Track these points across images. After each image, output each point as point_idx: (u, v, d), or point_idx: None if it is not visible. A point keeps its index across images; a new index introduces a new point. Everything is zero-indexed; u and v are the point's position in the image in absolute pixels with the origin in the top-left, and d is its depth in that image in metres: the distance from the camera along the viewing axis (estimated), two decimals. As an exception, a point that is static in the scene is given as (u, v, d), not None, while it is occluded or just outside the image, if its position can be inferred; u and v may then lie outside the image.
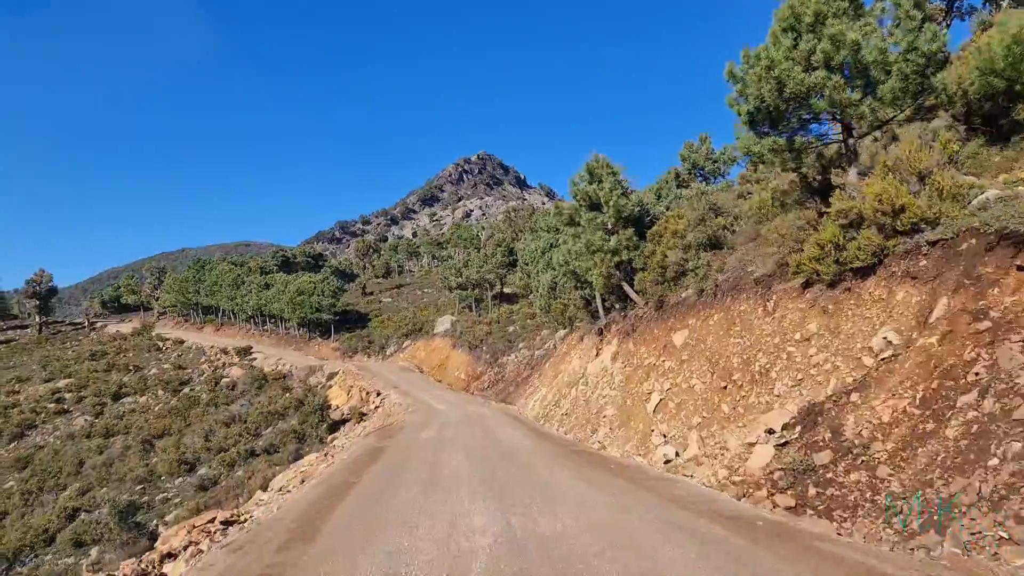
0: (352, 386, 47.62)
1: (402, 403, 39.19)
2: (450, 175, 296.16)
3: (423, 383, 47.89)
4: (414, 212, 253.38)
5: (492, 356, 47.67)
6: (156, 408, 59.69)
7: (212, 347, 74.54)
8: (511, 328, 50.72)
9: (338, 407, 45.34)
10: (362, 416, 41.25)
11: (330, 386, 49.73)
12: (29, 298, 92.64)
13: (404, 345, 62.18)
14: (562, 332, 40.43)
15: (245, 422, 46.95)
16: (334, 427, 42.66)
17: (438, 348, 56.01)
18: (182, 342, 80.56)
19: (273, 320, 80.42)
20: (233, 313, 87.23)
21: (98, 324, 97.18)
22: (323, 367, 58.63)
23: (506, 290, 63.31)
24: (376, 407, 42.49)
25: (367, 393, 45.36)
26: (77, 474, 45.48)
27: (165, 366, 70.86)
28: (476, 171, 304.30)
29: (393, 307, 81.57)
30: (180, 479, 42.61)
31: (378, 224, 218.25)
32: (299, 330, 76.98)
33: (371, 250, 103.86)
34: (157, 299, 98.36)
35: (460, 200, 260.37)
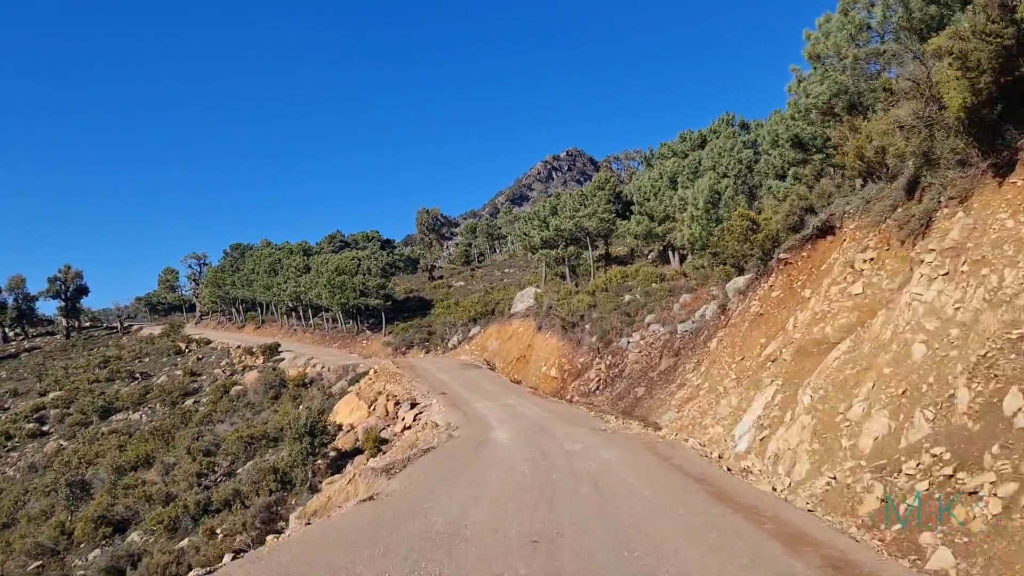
0: (380, 393, 30.38)
1: (443, 422, 21.76)
2: (539, 173, 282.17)
3: (491, 385, 30.13)
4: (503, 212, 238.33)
5: (600, 339, 29.24)
6: (145, 427, 44.76)
7: (239, 347, 59.65)
8: (627, 297, 32.15)
9: (351, 427, 28.13)
10: (380, 446, 24.02)
11: (349, 392, 32.67)
12: (53, 298, 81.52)
13: (471, 333, 44.58)
14: (741, 280, 21.64)
15: (214, 454, 30.55)
16: (339, 461, 25.63)
17: (516, 334, 38.10)
18: (208, 342, 66.50)
19: (317, 313, 64.86)
20: (273, 307, 72.59)
21: (133, 327, 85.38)
22: (360, 367, 41.84)
23: (612, 251, 44.77)
24: (407, 427, 25.27)
25: (397, 404, 28.04)
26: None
27: (177, 372, 56.42)
28: (565, 168, 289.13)
29: (464, 291, 64.29)
30: (96, 551, 26.64)
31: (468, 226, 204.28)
32: (346, 323, 61.01)
33: (442, 238, 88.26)
34: (197, 296, 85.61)
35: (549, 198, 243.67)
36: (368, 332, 58.43)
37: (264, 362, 53.63)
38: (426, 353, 48.14)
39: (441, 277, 74.62)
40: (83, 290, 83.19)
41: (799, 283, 17.89)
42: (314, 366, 48.31)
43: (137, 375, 58.18)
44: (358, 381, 35.14)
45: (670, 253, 36.35)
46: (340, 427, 28.17)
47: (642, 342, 27.31)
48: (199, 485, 28.07)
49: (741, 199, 24.42)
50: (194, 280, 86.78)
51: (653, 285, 33.50)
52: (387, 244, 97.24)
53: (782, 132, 25.49)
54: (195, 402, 48.32)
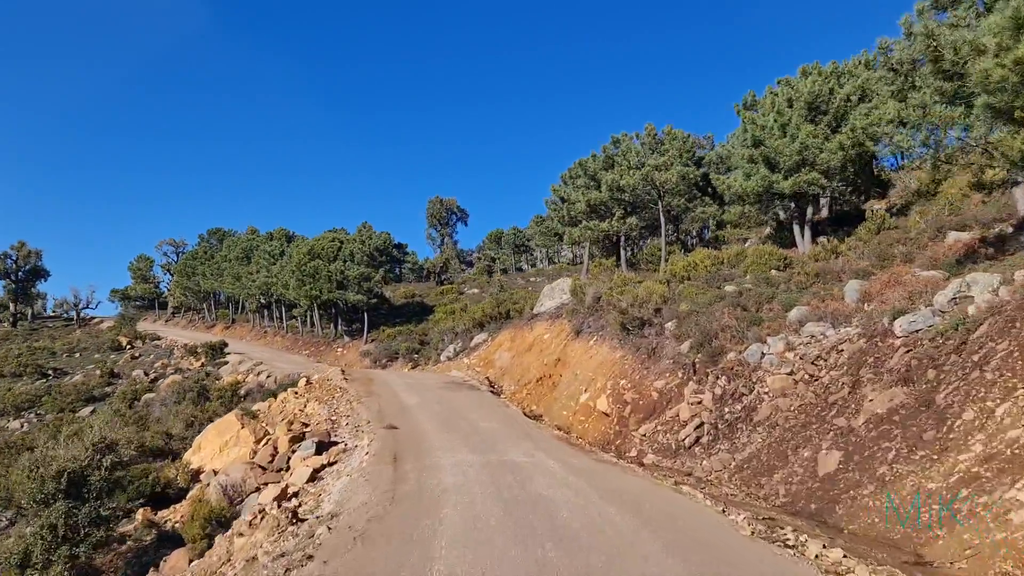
0: (290, 419, 17.06)
1: (332, 508, 7.59)
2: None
3: (486, 418, 16.67)
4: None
5: (701, 347, 15.55)
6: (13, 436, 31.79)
7: (184, 345, 47.05)
8: (729, 288, 18.59)
9: (199, 475, 14.70)
10: (219, 530, 10.16)
11: (245, 411, 19.35)
12: (2, 278, 69.73)
13: (473, 342, 31.21)
14: None
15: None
16: (139, 555, 11.94)
17: (539, 342, 24.77)
18: (157, 339, 53.85)
19: (292, 313, 51.88)
20: (245, 303, 59.94)
21: (94, 320, 73.29)
22: (302, 376, 28.41)
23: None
24: (285, 495, 11.32)
25: (298, 440, 14.51)
26: None
27: (96, 371, 43.76)
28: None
29: (478, 299, 50.80)
30: None
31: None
32: (324, 327, 47.95)
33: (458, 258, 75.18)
34: (170, 289, 73.37)
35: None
36: (347, 339, 45.19)
37: (203, 365, 40.69)
38: (412, 367, 34.76)
39: (451, 281, 61.35)
40: (38, 272, 71.51)
41: None
42: (259, 374, 35.26)
43: (49, 372, 45.52)
44: (275, 395, 21.83)
45: (798, 229, 22.59)
46: (179, 477, 14.78)
47: (791, 355, 13.58)
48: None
49: None
50: (168, 270, 74.77)
51: (774, 272, 19.93)
52: (399, 248, 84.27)
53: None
54: (93, 411, 35.39)
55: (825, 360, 12.65)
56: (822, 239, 22.11)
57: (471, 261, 78.64)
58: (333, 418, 16.79)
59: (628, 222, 25.14)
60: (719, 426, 13.24)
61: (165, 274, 75.81)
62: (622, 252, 26.24)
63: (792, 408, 12.15)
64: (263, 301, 55.37)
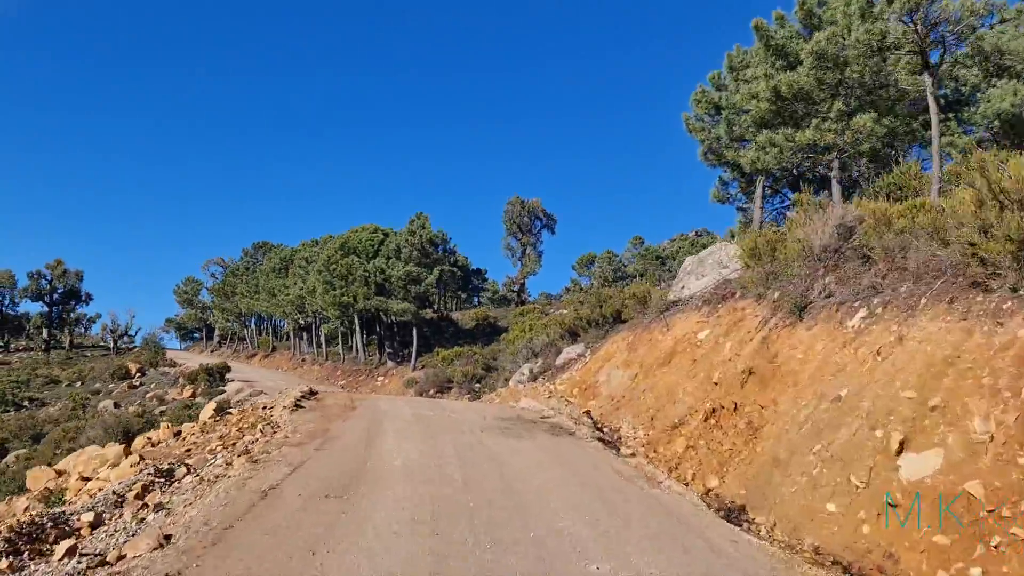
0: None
1: None
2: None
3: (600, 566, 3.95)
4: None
5: None
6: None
7: (186, 372, 37.67)
8: None
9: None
10: None
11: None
12: (33, 300, 63.16)
13: (561, 359, 19.51)
14: None
15: None
16: None
17: (687, 347, 13.17)
18: (173, 366, 44.72)
19: (336, 335, 41.66)
20: (278, 327, 50.53)
21: (134, 348, 65.51)
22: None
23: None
24: None
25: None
26: None
27: (69, 403, 34.79)
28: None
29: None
30: None
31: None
32: (370, 354, 37.50)
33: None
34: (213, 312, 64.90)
35: None
36: (391, 365, 34.27)
37: (194, 394, 30.66)
38: (471, 399, 23.27)
39: (533, 302, 49.85)
40: (75, 294, 64.76)
41: None
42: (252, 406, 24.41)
43: (24, 403, 36.71)
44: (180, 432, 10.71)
45: None
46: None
47: None
48: None
49: None
50: (213, 292, 66.59)
51: None
52: (477, 274, 73.68)
53: None
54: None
55: None
56: None
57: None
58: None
59: (861, 121, 13.11)
60: None
61: (212, 297, 67.67)
62: (834, 186, 14.12)
63: None
64: (301, 322, 45.41)
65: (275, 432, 9.11)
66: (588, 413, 13.49)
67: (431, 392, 27.15)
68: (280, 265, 47.40)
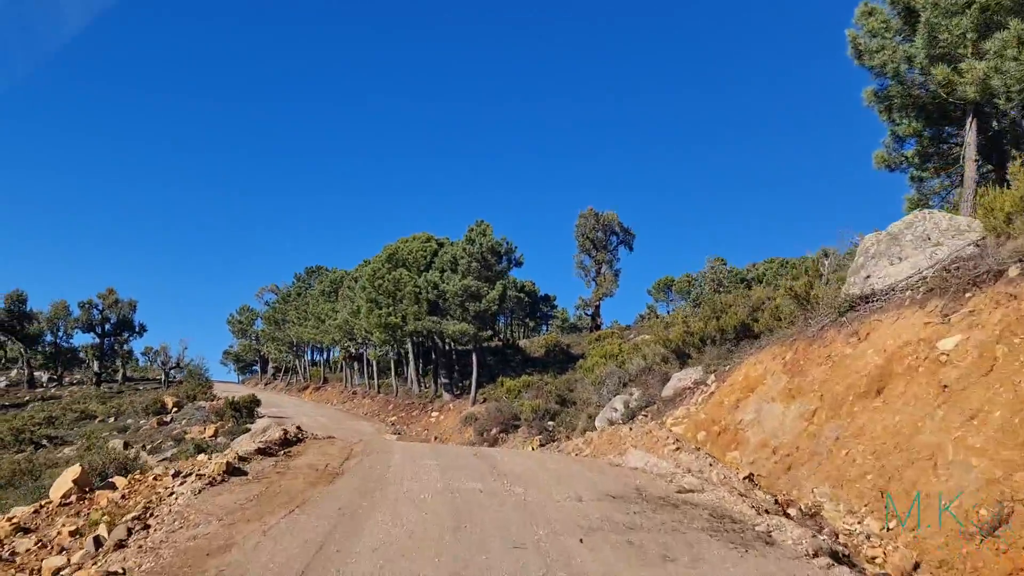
0: None
1: None
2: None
3: None
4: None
5: None
6: None
7: (215, 407, 33.80)
8: None
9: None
10: None
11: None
12: (84, 331, 61.12)
13: (668, 389, 14.00)
14: None
15: None
16: None
17: (905, 368, 7.11)
18: (213, 399, 41.02)
19: (390, 366, 37.15)
20: (333, 351, 46.40)
21: (178, 379, 62.68)
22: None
23: None
24: None
25: None
26: None
27: (82, 443, 31.27)
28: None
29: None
30: None
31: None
32: (426, 386, 32.76)
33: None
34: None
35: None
36: (447, 397, 29.34)
37: (216, 433, 26.48)
38: (542, 444, 18.06)
39: (612, 329, 44.28)
40: (128, 324, 62.56)
41: None
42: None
43: (43, 442, 33.29)
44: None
45: None
46: None
47: None
48: None
49: None
50: (267, 320, 63.28)
51: None
52: (546, 300, 68.48)
53: None
54: None
55: None
56: None
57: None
58: None
59: None
60: None
61: (263, 326, 64.46)
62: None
63: None
64: (352, 350, 41.06)
65: (117, 548, 4.16)
66: (751, 478, 8.11)
67: (493, 431, 21.98)
68: (330, 288, 43.40)
